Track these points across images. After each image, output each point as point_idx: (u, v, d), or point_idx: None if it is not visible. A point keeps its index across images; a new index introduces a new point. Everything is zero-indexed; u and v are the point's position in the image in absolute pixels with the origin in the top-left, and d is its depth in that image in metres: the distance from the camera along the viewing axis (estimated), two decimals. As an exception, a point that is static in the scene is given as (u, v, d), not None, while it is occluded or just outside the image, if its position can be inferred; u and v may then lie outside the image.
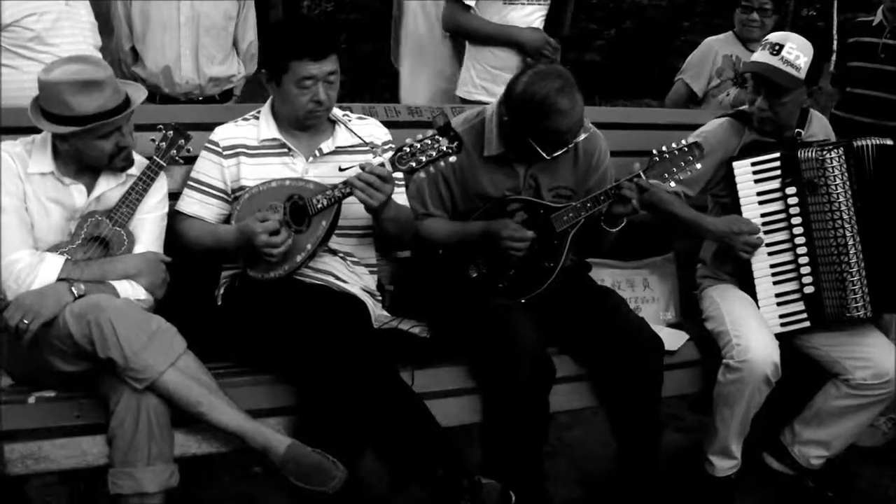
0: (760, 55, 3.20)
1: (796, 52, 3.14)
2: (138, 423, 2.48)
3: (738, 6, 4.44)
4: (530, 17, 4.03)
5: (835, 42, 6.17)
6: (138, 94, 2.82)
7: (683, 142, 3.05)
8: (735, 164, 3.19)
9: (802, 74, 3.15)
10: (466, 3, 4.00)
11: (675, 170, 3.03)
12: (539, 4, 4.05)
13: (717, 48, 4.46)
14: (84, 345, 2.47)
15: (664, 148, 3.04)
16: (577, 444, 3.72)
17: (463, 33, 4.22)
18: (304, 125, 2.98)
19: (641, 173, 3.00)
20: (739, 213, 3.19)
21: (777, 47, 3.15)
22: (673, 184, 3.07)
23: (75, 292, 2.57)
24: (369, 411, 2.63)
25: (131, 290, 2.69)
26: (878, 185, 3.15)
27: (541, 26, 4.08)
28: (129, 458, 2.48)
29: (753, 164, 3.18)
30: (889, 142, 3.18)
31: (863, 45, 4.19)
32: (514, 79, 3.02)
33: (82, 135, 2.65)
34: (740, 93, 4.33)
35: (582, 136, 3.03)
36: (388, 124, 3.20)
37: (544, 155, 3.00)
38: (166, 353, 2.51)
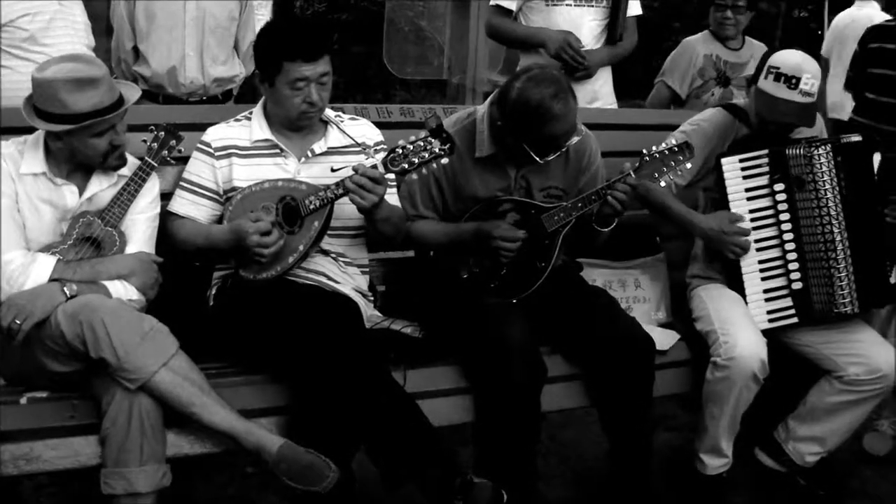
0: (775, 88, 3.14)
1: (812, 80, 3.11)
2: (131, 423, 2.48)
3: (712, 4, 4.41)
4: (579, 21, 4.01)
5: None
6: (132, 92, 2.82)
7: (673, 141, 3.06)
8: (723, 160, 3.20)
9: (816, 97, 3.16)
10: (506, 6, 4.02)
11: (664, 169, 3.04)
12: (589, 7, 4.02)
13: (697, 48, 4.42)
14: (76, 345, 2.47)
15: (654, 148, 3.05)
16: (569, 444, 3.73)
17: (498, 37, 4.24)
18: (296, 126, 2.98)
19: (632, 173, 3.01)
20: (728, 208, 3.20)
21: (794, 81, 3.11)
22: (663, 183, 3.09)
23: (67, 292, 2.57)
24: (362, 411, 2.63)
25: (123, 291, 2.69)
26: (864, 179, 3.17)
27: (597, 30, 4.07)
28: (122, 459, 2.48)
29: (742, 161, 3.19)
30: (858, 137, 3.20)
31: (887, 51, 4.07)
32: (507, 83, 3.02)
33: (77, 133, 2.65)
34: (725, 92, 4.33)
35: (575, 140, 3.04)
36: (380, 125, 3.20)
37: (537, 159, 3.00)
38: (159, 354, 2.51)
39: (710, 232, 3.22)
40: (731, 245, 3.18)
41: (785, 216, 3.19)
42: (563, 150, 3.05)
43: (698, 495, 3.26)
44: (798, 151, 3.16)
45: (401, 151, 2.79)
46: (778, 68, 3.16)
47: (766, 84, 3.18)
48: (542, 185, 3.16)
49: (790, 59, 3.17)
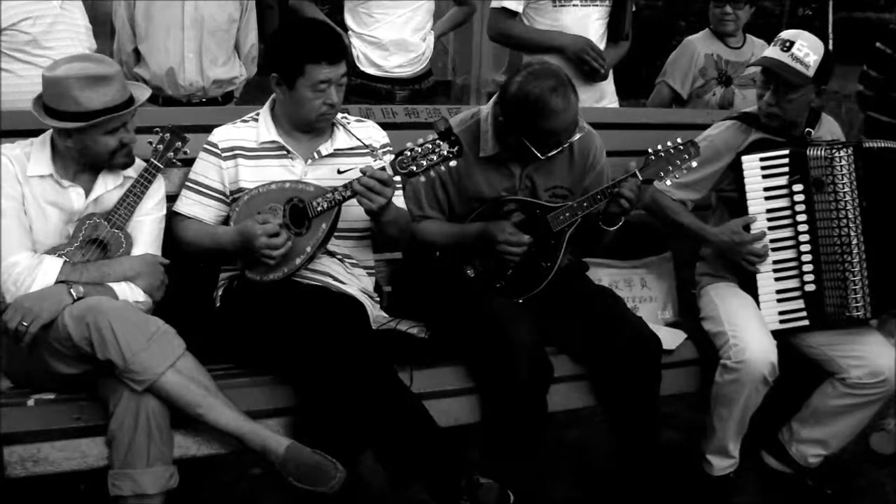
0: (771, 51, 3.19)
1: (806, 49, 3.13)
2: (137, 424, 2.48)
3: (711, 1, 4.40)
4: (586, 21, 4.00)
5: (830, 41, 6.09)
6: (141, 92, 2.84)
7: (679, 140, 3.06)
8: (744, 157, 3.20)
9: (811, 72, 3.13)
10: (512, 9, 3.98)
11: (670, 168, 3.04)
12: (595, 6, 4.01)
13: (698, 47, 4.38)
14: (83, 347, 2.47)
15: (659, 146, 3.05)
16: (576, 444, 3.72)
17: (507, 41, 4.21)
18: (314, 128, 2.98)
19: (637, 172, 3.01)
20: (745, 207, 3.20)
21: (788, 44, 3.14)
22: (668, 182, 3.09)
23: (74, 294, 2.57)
24: (368, 412, 2.63)
25: (130, 292, 2.70)
26: (885, 186, 3.15)
27: (601, 29, 4.06)
28: (129, 460, 2.49)
29: (762, 160, 3.19)
30: (882, 143, 3.19)
31: None
32: (508, 79, 3.03)
33: (89, 130, 2.65)
34: (727, 92, 4.32)
35: (577, 136, 3.04)
36: (385, 126, 3.21)
37: (539, 155, 3.00)
38: (165, 355, 2.51)
39: (723, 245, 3.23)
40: (746, 255, 3.18)
41: (802, 217, 3.19)
42: (565, 146, 3.05)
43: (705, 496, 3.26)
44: (819, 153, 3.15)
45: (409, 154, 2.79)
46: (780, 37, 3.22)
47: (768, 49, 3.23)
48: (547, 185, 3.15)
49: (792, 30, 3.25)
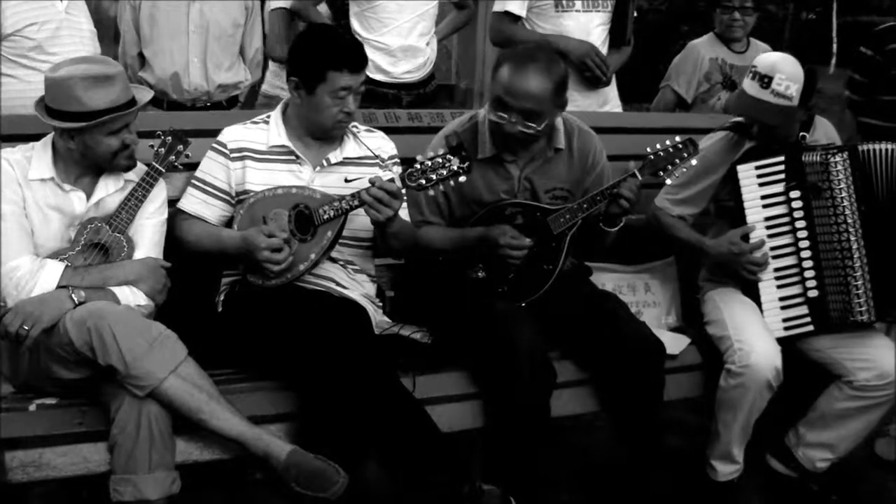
0: (750, 86, 3.13)
1: (786, 82, 3.07)
2: (139, 430, 2.48)
3: (718, 6, 4.39)
4: (589, 26, 4.00)
5: (834, 45, 6.08)
6: (144, 94, 2.84)
7: (677, 139, 3.05)
8: (739, 167, 3.18)
9: (795, 102, 3.10)
10: (516, 13, 3.98)
11: (669, 167, 3.04)
12: (597, 12, 4.02)
13: (702, 52, 4.40)
14: (84, 352, 2.47)
15: (658, 146, 3.05)
16: (579, 449, 3.71)
17: (510, 46, 4.20)
18: (328, 135, 2.98)
19: (637, 172, 3.01)
20: (743, 216, 3.19)
21: (766, 80, 3.09)
22: (668, 181, 3.08)
23: (75, 299, 2.57)
24: (370, 417, 2.63)
25: (131, 297, 2.69)
26: (883, 188, 3.14)
27: (604, 34, 4.06)
28: (131, 466, 2.48)
29: (758, 168, 3.18)
30: (893, 146, 3.18)
31: None
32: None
33: (92, 130, 2.65)
34: (732, 96, 4.31)
35: (558, 120, 3.04)
36: (388, 130, 3.21)
37: (498, 121, 2.94)
38: (167, 360, 2.50)
39: (721, 258, 3.22)
40: (746, 265, 3.17)
41: (801, 223, 3.17)
42: (564, 148, 3.07)
43: (709, 501, 3.25)
44: (815, 158, 3.14)
45: (419, 167, 2.79)
46: (755, 67, 3.15)
47: (746, 82, 3.18)
48: (546, 187, 3.15)
49: (768, 59, 3.17)
